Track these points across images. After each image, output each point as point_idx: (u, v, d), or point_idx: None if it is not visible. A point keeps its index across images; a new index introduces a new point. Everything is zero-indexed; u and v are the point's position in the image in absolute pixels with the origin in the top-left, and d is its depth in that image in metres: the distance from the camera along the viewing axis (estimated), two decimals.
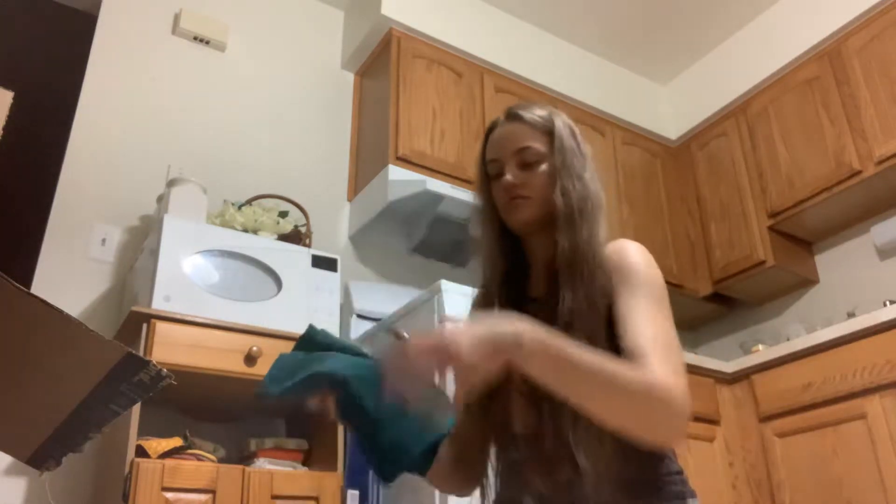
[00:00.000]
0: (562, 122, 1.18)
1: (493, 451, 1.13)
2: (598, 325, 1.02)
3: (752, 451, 2.63)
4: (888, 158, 2.76)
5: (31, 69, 2.66)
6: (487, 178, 1.19)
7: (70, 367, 0.86)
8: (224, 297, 2.06)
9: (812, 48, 3.13)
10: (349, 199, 2.98)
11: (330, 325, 2.20)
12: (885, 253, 3.00)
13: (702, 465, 2.50)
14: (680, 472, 1.07)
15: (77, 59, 2.60)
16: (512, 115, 1.18)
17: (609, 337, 1.01)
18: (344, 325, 2.49)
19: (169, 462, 1.79)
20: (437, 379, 0.86)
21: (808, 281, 3.23)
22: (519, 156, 1.14)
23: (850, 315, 2.79)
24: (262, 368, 1.99)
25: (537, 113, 1.17)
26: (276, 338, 2.04)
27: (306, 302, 2.20)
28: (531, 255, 1.18)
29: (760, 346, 2.90)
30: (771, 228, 3.14)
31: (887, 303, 2.65)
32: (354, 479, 2.09)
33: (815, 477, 2.42)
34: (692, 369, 2.61)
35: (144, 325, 1.89)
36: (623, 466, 0.98)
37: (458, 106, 2.99)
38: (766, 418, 2.61)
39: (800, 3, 3.26)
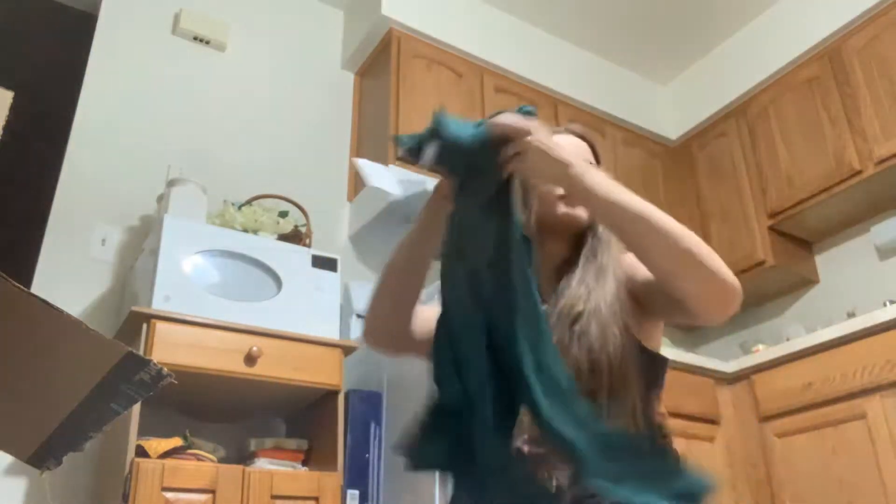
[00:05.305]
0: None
1: None
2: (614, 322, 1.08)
3: (752, 451, 2.63)
4: (888, 158, 2.76)
5: (31, 69, 2.66)
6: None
7: (70, 367, 0.86)
8: (224, 297, 2.06)
9: (812, 48, 3.13)
10: (349, 199, 2.98)
11: (330, 325, 2.21)
12: (885, 253, 3.00)
13: (702, 465, 2.50)
14: None
15: (77, 59, 2.60)
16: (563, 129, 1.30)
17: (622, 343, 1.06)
18: (344, 325, 2.49)
19: (169, 462, 1.79)
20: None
21: (808, 281, 3.23)
22: None
23: (850, 315, 2.79)
24: (262, 368, 1.99)
25: (580, 127, 1.30)
26: (275, 338, 2.05)
27: (306, 302, 2.20)
28: (543, 256, 1.20)
29: (760, 346, 2.90)
30: (771, 228, 3.14)
31: (887, 303, 2.65)
32: (354, 479, 2.09)
33: (815, 477, 2.42)
34: (692, 369, 2.61)
35: (144, 325, 1.89)
36: None
37: (458, 106, 2.98)
38: (766, 418, 2.61)
39: (800, 3, 3.26)
